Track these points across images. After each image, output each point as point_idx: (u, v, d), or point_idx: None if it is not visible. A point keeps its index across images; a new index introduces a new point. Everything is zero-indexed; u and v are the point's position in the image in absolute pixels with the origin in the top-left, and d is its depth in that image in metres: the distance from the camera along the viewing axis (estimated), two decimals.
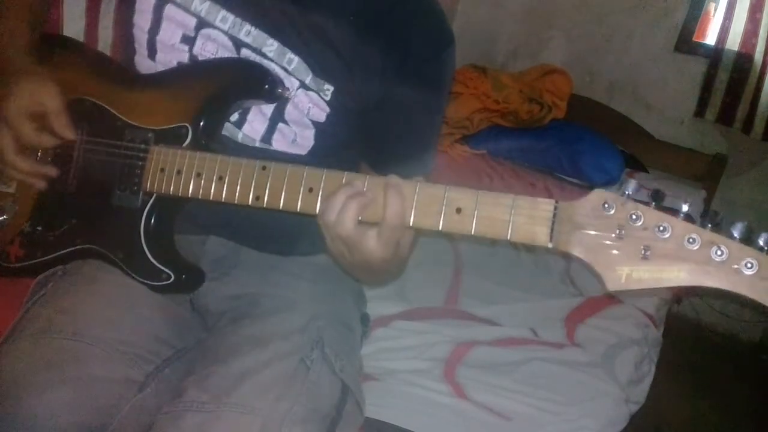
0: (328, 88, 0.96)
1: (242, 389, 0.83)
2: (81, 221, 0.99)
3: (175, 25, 0.97)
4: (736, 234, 0.60)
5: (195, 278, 0.96)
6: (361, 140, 1.04)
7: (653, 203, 0.64)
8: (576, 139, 2.43)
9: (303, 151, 1.01)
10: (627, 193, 0.65)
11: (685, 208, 0.63)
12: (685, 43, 2.77)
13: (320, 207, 0.79)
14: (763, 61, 2.56)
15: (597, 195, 0.66)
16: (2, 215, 1.04)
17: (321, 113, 0.98)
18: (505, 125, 2.57)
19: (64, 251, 0.99)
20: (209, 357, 0.90)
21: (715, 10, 2.79)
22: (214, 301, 1.00)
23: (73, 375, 0.82)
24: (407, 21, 0.96)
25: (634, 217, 0.64)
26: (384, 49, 0.95)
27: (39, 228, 1.02)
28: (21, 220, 1.03)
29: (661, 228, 0.62)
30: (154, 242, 0.93)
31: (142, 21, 0.99)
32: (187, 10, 0.97)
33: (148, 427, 0.85)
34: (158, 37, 0.98)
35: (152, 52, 1.00)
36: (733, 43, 2.60)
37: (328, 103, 0.97)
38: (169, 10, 0.97)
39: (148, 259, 0.92)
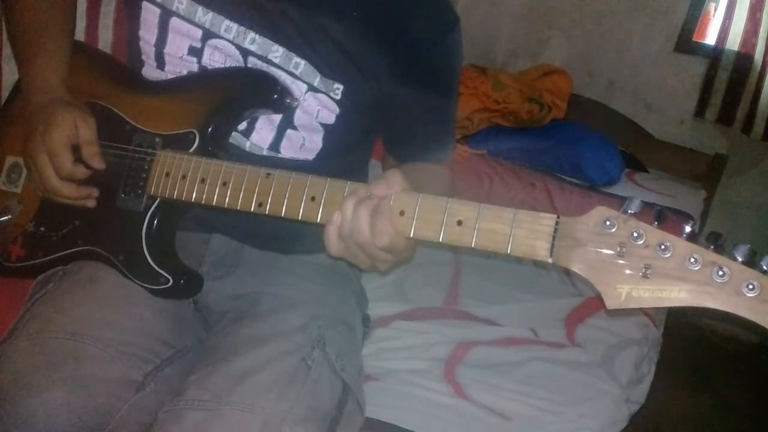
0: (338, 87, 0.96)
1: (243, 388, 0.83)
2: (84, 223, 0.99)
3: (181, 37, 0.98)
4: (738, 256, 0.60)
5: (193, 283, 0.96)
6: (382, 134, 1.06)
7: (656, 222, 0.63)
8: (576, 139, 2.43)
9: (311, 156, 1.01)
10: (630, 211, 0.64)
11: (687, 228, 0.62)
12: (685, 43, 2.78)
13: (337, 221, 0.77)
14: (763, 61, 2.56)
15: (599, 212, 0.66)
16: (7, 215, 1.04)
17: (330, 115, 0.98)
18: (505, 125, 2.57)
19: (66, 252, 0.99)
20: (210, 356, 0.90)
21: (715, 10, 2.79)
22: (216, 301, 1.01)
23: (72, 375, 0.82)
24: (409, 8, 0.97)
25: (635, 235, 0.63)
26: (390, 39, 0.96)
27: (42, 228, 1.02)
28: (25, 220, 1.04)
29: (663, 247, 0.62)
30: (154, 246, 0.93)
31: (147, 34, 1.00)
32: (191, 21, 0.97)
33: (147, 427, 0.85)
34: (165, 50, 0.99)
35: (161, 64, 1.01)
36: (733, 43, 2.61)
37: (339, 102, 0.97)
38: (174, 22, 0.98)
39: (148, 263, 0.92)
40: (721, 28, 2.64)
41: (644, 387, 1.41)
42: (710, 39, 2.77)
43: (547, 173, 2.44)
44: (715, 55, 2.67)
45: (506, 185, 2.29)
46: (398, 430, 1.06)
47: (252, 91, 0.95)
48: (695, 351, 2.55)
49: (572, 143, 2.42)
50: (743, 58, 2.60)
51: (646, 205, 0.65)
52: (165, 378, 0.90)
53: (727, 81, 2.65)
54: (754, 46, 2.57)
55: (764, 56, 2.55)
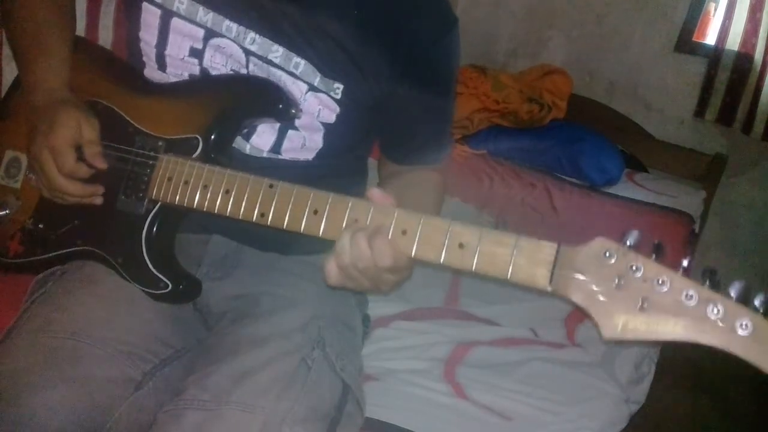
0: (338, 87, 0.96)
1: (243, 388, 0.83)
2: (83, 223, 0.99)
3: (182, 38, 0.98)
4: (733, 293, 0.60)
5: (192, 289, 0.96)
6: (380, 136, 1.06)
7: (654, 255, 0.64)
8: (576, 139, 2.43)
9: (311, 155, 1.01)
10: (629, 243, 0.65)
11: (684, 263, 0.63)
12: (685, 43, 2.77)
13: (338, 252, 0.77)
14: (763, 61, 2.55)
15: (599, 243, 0.66)
16: (5, 210, 1.04)
17: (331, 114, 0.98)
18: (505, 125, 2.57)
19: (64, 251, 0.99)
20: (210, 356, 0.90)
21: (715, 10, 2.79)
22: (216, 302, 1.00)
23: (71, 374, 0.82)
24: (409, 8, 0.97)
25: (634, 268, 0.64)
26: (389, 39, 0.96)
27: (41, 226, 1.01)
28: (23, 216, 1.03)
29: (660, 281, 0.63)
30: (154, 250, 0.93)
31: (148, 35, 0.99)
32: (192, 21, 0.97)
33: (146, 426, 0.85)
34: (166, 51, 0.99)
35: (162, 66, 1.00)
36: (733, 43, 2.60)
37: (339, 102, 0.97)
38: (175, 23, 0.97)
39: (147, 267, 0.92)
40: (721, 28, 2.64)
41: (644, 387, 1.41)
42: (710, 39, 2.77)
43: (547, 173, 2.43)
44: (715, 55, 2.66)
45: (506, 185, 2.28)
46: (398, 430, 1.06)
47: (257, 100, 0.95)
48: (695, 351, 2.53)
49: (572, 143, 2.41)
50: (743, 58, 2.59)
51: (645, 234, 0.66)
52: (164, 378, 0.90)
53: (727, 81, 2.65)
54: (754, 46, 2.56)
55: (764, 56, 2.55)
